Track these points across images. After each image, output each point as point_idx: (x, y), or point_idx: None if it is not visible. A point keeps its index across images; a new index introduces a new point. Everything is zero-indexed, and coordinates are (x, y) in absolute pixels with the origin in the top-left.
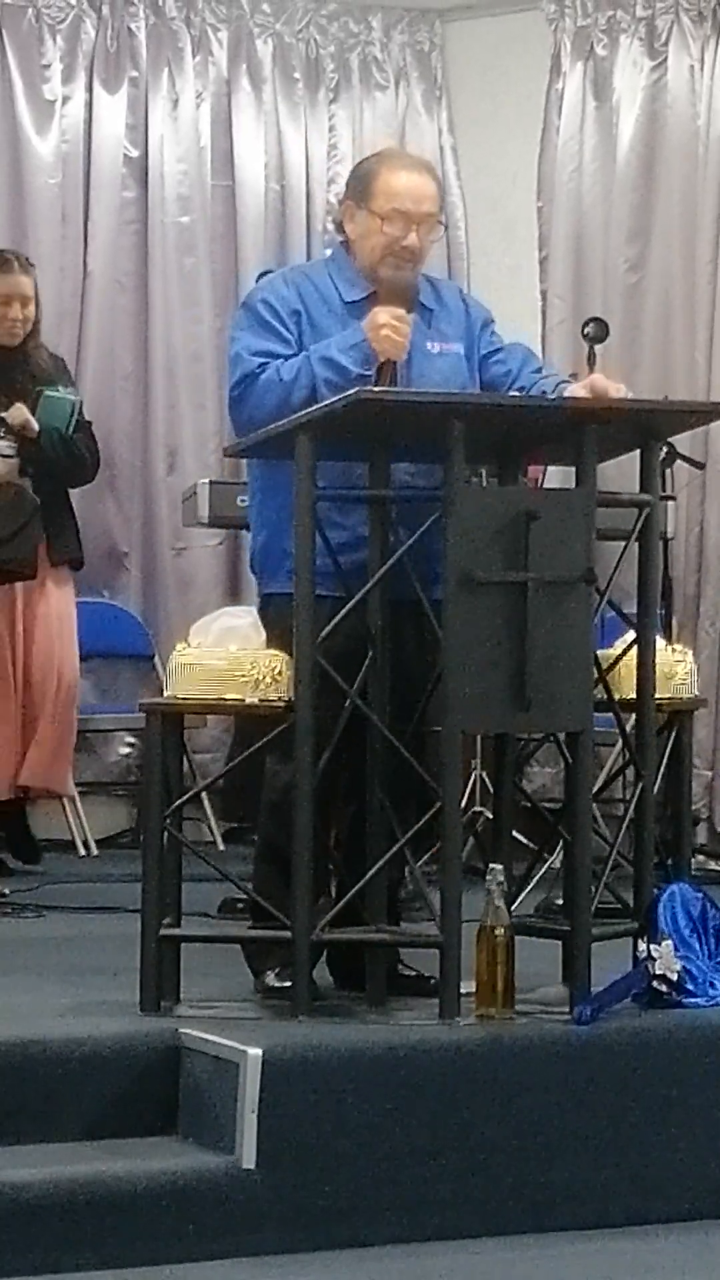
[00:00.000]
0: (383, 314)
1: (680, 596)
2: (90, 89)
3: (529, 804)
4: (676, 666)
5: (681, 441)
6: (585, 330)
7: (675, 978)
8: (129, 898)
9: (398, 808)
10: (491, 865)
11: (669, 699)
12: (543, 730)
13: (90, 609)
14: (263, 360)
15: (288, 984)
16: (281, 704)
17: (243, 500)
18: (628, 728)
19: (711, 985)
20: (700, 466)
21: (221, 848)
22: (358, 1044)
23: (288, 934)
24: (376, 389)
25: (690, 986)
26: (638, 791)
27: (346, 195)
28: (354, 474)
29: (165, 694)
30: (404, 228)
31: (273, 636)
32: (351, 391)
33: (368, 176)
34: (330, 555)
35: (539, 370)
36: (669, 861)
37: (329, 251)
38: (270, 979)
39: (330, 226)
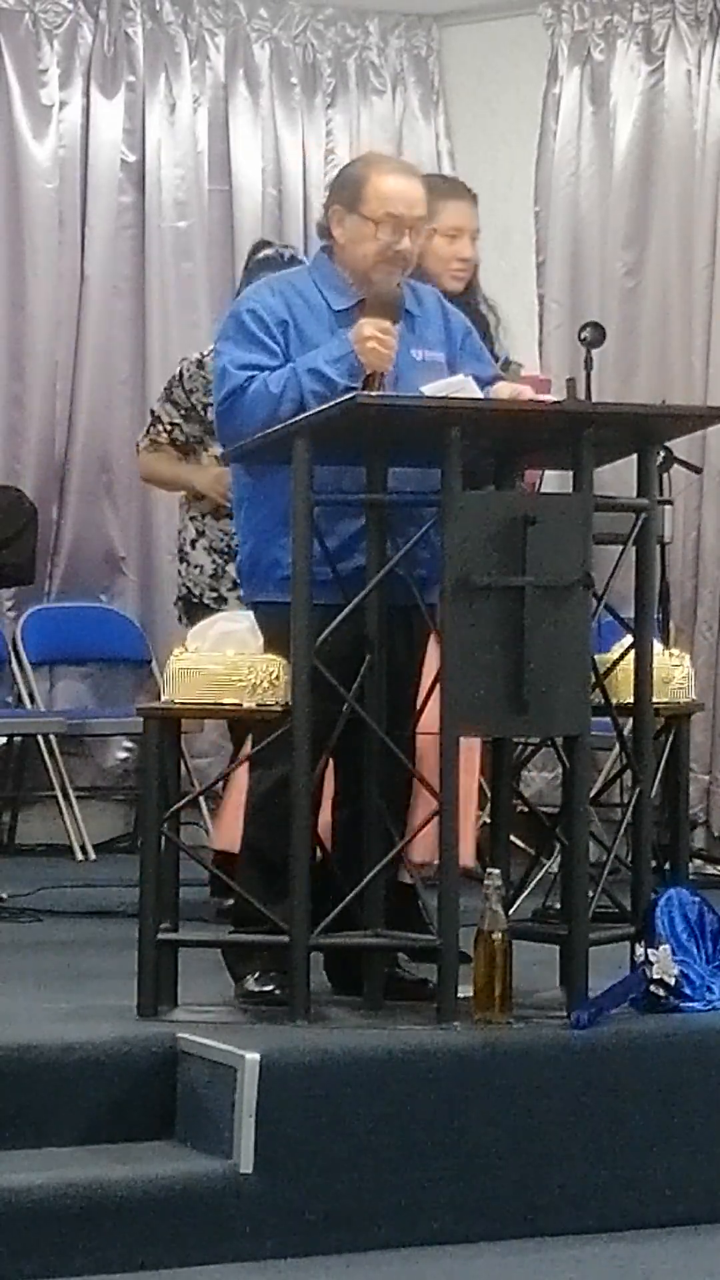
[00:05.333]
0: (369, 326)
1: (677, 601)
2: (87, 94)
3: (526, 808)
4: (674, 671)
5: (679, 446)
6: (581, 335)
7: (673, 982)
8: (126, 902)
9: (392, 812)
10: (489, 870)
11: (666, 703)
12: (540, 734)
13: (87, 613)
14: (250, 374)
15: (268, 988)
16: (279, 709)
17: None
18: (625, 732)
19: (709, 989)
20: (697, 471)
21: None
22: (355, 1048)
23: (284, 939)
24: (374, 394)
25: (688, 991)
26: (635, 796)
27: (333, 200)
28: (344, 480)
29: (163, 699)
30: (397, 232)
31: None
32: (347, 396)
33: (358, 181)
34: (328, 562)
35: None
36: (666, 866)
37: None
38: (251, 984)
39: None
